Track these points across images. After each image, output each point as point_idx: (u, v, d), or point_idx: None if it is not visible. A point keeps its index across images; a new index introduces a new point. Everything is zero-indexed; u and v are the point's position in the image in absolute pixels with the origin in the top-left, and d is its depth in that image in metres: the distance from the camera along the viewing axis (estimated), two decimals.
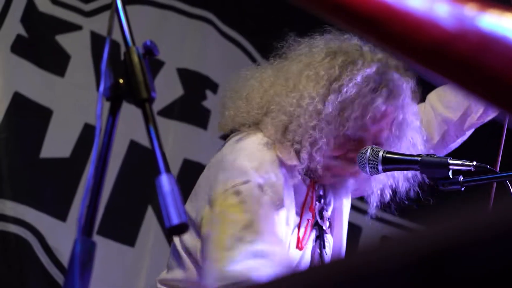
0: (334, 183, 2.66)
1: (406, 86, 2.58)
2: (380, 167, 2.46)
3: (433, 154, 2.46)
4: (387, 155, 2.47)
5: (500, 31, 0.90)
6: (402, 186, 2.68)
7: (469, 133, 2.86)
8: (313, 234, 2.67)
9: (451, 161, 2.41)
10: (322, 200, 2.70)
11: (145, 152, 4.25)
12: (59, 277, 4.11)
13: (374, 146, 2.50)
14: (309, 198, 2.62)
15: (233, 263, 2.38)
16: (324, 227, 2.71)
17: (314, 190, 2.64)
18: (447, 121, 2.82)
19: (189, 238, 2.55)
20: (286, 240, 2.49)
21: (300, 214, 2.60)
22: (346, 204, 2.82)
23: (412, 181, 2.67)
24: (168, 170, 1.42)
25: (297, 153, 2.54)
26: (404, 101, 2.57)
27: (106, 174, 1.49)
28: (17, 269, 4.07)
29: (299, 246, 2.59)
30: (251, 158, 2.50)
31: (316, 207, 2.67)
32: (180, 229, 1.37)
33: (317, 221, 2.68)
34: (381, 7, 0.96)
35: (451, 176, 2.41)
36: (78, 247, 1.37)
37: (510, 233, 0.72)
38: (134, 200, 4.32)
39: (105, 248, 4.17)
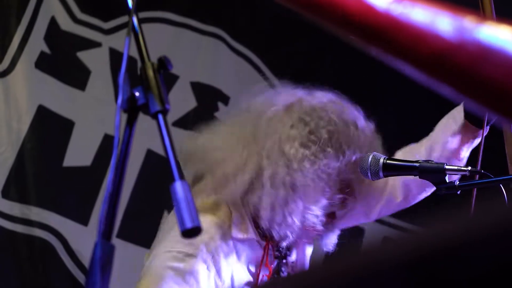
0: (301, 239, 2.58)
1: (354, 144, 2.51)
2: (381, 173, 2.45)
3: (430, 160, 2.46)
4: (388, 161, 2.46)
5: (498, 42, 0.90)
6: None
7: (430, 191, 2.74)
8: None
9: (447, 167, 2.40)
10: (283, 250, 2.61)
11: (161, 160, 4.25)
12: (81, 278, 4.11)
13: (375, 153, 2.49)
14: (265, 257, 2.53)
15: None
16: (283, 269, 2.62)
17: (269, 249, 2.54)
18: (408, 183, 2.72)
19: None
20: None
21: (257, 271, 2.52)
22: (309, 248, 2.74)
23: None
24: (181, 177, 1.42)
25: (255, 220, 2.48)
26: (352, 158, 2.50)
27: (124, 181, 1.49)
28: (42, 270, 4.08)
29: None
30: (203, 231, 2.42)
31: (274, 263, 2.57)
32: (194, 232, 1.37)
33: (278, 270, 2.59)
34: (387, 20, 0.97)
35: (447, 181, 2.41)
36: (98, 251, 1.38)
37: (503, 235, 0.72)
38: (151, 205, 4.31)
39: (124, 250, 4.17)
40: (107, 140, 4.24)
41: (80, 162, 4.25)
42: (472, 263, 0.71)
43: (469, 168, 2.40)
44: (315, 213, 2.47)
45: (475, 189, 2.52)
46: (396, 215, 2.96)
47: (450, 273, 0.72)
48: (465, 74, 0.90)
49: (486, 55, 0.89)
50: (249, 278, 2.51)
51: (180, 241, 2.35)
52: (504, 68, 0.88)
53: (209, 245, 2.39)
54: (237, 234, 2.46)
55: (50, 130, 4.20)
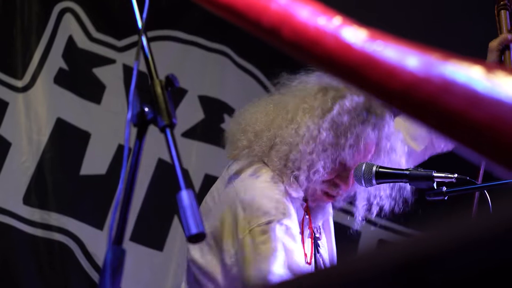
0: (318, 204, 2.61)
1: (389, 116, 2.57)
2: (374, 181, 2.46)
3: (420, 168, 2.46)
4: (380, 169, 2.47)
5: (460, 77, 0.91)
6: (387, 203, 2.66)
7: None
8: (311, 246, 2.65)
9: (435, 174, 2.41)
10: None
11: (171, 169, 4.26)
12: (97, 278, 4.12)
13: (368, 162, 2.49)
14: (307, 218, 2.57)
15: None
16: (319, 237, 2.67)
17: (310, 211, 2.59)
18: (410, 152, 2.79)
19: (200, 258, 2.50)
20: (304, 263, 2.44)
21: (301, 232, 2.54)
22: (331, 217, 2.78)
23: (396, 199, 2.65)
24: (187, 186, 1.42)
25: (297, 181, 2.50)
26: (389, 130, 2.56)
27: (135, 191, 1.49)
28: (60, 272, 4.09)
29: (308, 261, 2.54)
30: (268, 198, 2.43)
31: (314, 224, 2.62)
32: (198, 237, 1.38)
33: (314, 234, 2.64)
34: (361, 57, 0.98)
35: (435, 187, 2.41)
36: (109, 255, 1.38)
37: (488, 240, 0.72)
38: (162, 210, 4.32)
39: (137, 253, 4.19)
40: (121, 150, 4.25)
41: (96, 171, 4.26)
42: (460, 266, 0.72)
43: (456, 175, 2.41)
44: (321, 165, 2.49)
45: (477, 192, 2.55)
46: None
47: (439, 277, 0.72)
48: (431, 105, 0.92)
49: (450, 88, 0.90)
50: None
51: (253, 216, 2.40)
52: (465, 100, 0.89)
53: (278, 208, 2.43)
54: (292, 192, 2.49)
55: (68, 141, 4.21)
